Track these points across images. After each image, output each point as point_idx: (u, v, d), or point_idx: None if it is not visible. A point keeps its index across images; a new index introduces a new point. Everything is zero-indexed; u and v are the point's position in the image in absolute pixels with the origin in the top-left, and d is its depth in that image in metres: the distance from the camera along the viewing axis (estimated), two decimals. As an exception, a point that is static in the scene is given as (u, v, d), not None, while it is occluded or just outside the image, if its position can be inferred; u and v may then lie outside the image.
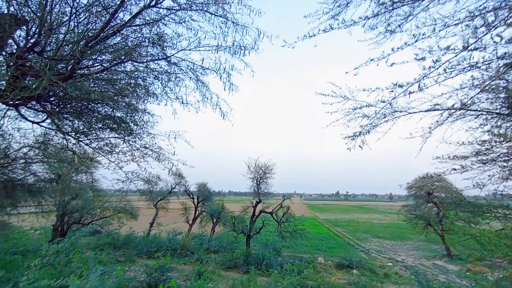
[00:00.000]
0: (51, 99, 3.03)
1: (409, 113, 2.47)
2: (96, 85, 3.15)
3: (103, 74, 3.01)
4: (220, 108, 3.35)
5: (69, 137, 3.47)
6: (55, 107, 3.21)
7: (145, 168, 3.99)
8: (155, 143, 3.98)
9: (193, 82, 3.30)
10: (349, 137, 2.82)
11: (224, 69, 3.08)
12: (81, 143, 3.62)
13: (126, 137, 3.77)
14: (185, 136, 3.88)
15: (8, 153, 4.05)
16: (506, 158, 2.01)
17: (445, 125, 2.68)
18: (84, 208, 12.59)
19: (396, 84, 2.08)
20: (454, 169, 2.06)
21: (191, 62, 3.16)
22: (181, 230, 19.10)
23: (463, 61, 1.91)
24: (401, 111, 2.47)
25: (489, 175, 2.33)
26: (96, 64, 2.98)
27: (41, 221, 13.23)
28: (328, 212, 59.08)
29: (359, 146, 2.62)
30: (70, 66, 2.55)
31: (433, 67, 2.16)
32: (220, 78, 3.10)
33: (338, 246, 19.96)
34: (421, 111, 2.45)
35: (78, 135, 3.53)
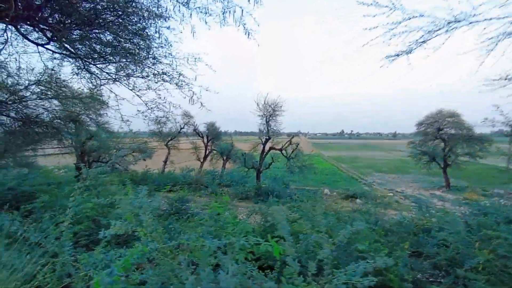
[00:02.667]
0: (48, 17, 2.60)
1: (470, 22, 2.06)
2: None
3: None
4: (244, 25, 2.85)
5: (83, 61, 3.14)
6: (51, 28, 2.81)
7: (164, 98, 3.79)
8: (173, 68, 3.63)
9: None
10: (390, 56, 2.47)
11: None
12: (96, 66, 3.30)
13: (141, 62, 3.40)
14: (205, 59, 3.48)
15: (18, 89, 3.86)
16: None
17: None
18: (100, 148, 13.10)
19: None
20: None
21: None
22: (193, 167, 20.21)
23: None
24: (459, 21, 2.06)
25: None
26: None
27: (62, 161, 14.02)
28: (333, 150, 60.95)
29: (408, 64, 2.32)
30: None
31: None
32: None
33: (342, 180, 21.20)
34: (485, 20, 2.04)
35: (90, 59, 3.20)
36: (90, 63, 3.27)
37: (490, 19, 2.05)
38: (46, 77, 4.56)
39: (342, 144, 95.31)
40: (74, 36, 2.85)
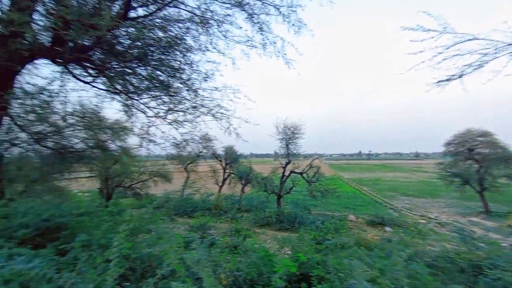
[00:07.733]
0: (91, 55, 2.74)
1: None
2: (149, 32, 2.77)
3: (157, 18, 2.61)
4: (283, 55, 2.84)
5: (128, 96, 3.23)
6: (96, 67, 2.95)
7: (200, 129, 3.79)
8: (212, 101, 3.65)
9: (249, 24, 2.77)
10: (440, 81, 2.30)
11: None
12: (138, 102, 3.40)
13: (178, 96, 3.48)
14: (244, 90, 3.48)
15: (57, 121, 4.05)
16: None
17: None
18: (123, 172, 13.37)
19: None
20: None
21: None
22: (212, 191, 20.06)
23: None
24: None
25: None
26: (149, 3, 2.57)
27: (86, 185, 14.41)
28: (351, 171, 58.95)
29: (463, 89, 2.13)
30: (123, 5, 2.19)
31: None
32: (283, 16, 2.52)
33: (366, 204, 20.03)
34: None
35: (131, 94, 3.31)
36: (133, 99, 3.36)
37: None
38: (79, 108, 4.81)
39: (360, 165, 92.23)
40: (117, 71, 2.96)
